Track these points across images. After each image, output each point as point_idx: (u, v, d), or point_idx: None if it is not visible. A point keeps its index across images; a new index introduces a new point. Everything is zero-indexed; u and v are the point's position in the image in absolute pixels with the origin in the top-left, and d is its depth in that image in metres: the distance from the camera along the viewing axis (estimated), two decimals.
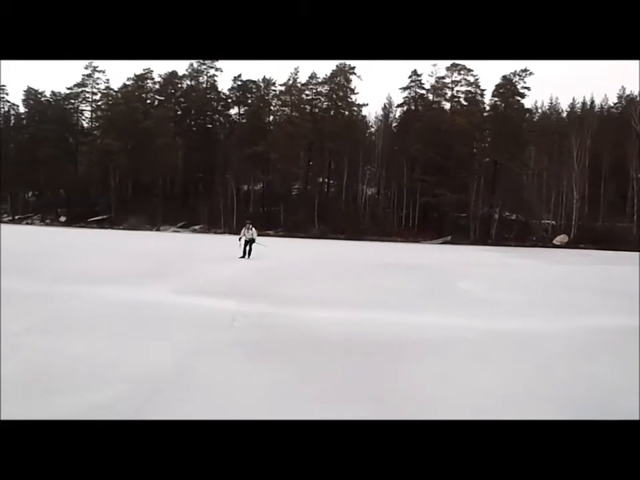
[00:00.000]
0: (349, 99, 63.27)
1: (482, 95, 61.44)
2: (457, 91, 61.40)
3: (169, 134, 61.81)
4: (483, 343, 7.15)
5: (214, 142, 62.55)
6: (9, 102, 70.82)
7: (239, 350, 6.28)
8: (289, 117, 61.95)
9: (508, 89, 59.03)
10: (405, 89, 62.24)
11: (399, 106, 64.50)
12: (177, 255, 22.33)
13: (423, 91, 62.31)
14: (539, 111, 66.48)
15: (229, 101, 66.61)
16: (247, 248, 19.98)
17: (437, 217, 56.97)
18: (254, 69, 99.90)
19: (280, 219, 58.80)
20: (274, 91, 64.85)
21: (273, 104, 64.98)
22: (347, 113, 63.14)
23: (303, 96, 63.37)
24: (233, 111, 67.43)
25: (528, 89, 58.93)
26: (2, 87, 69.90)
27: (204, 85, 66.35)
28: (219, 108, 66.80)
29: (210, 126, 66.60)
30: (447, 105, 62.35)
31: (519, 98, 59.46)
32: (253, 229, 20.44)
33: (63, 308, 8.58)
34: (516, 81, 58.70)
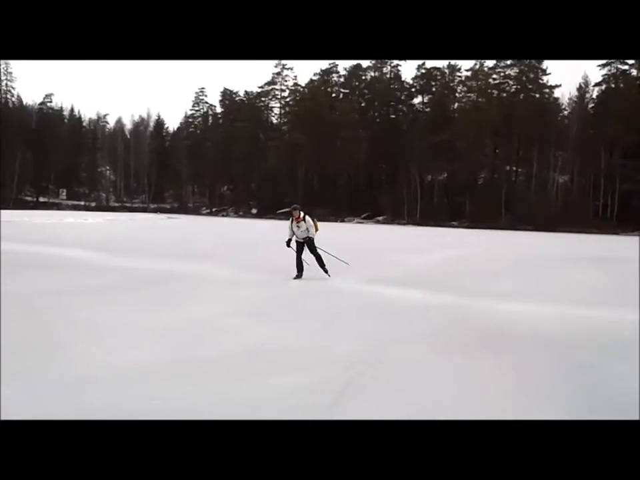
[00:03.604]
0: (540, 81, 60.08)
1: None
2: None
3: (353, 126, 63.31)
4: None
5: (397, 132, 62.90)
6: (207, 103, 77.60)
7: (428, 341, 6.28)
8: (474, 103, 60.44)
9: None
10: (603, 65, 57.66)
11: (596, 85, 60.01)
12: (369, 246, 22.60)
13: (626, 67, 57.12)
14: None
15: (413, 90, 66.56)
16: (302, 258, 11.12)
17: None
18: None
19: (465, 209, 57.72)
20: (459, 77, 63.81)
21: (458, 90, 63.92)
22: (537, 95, 60.08)
23: (490, 80, 61.27)
24: (417, 100, 67.52)
25: None
26: (202, 90, 76.57)
27: (387, 76, 66.93)
28: (402, 97, 67.08)
29: (393, 116, 67.16)
30: None
31: None
32: (307, 218, 11.16)
33: (258, 295, 9.24)
34: None
